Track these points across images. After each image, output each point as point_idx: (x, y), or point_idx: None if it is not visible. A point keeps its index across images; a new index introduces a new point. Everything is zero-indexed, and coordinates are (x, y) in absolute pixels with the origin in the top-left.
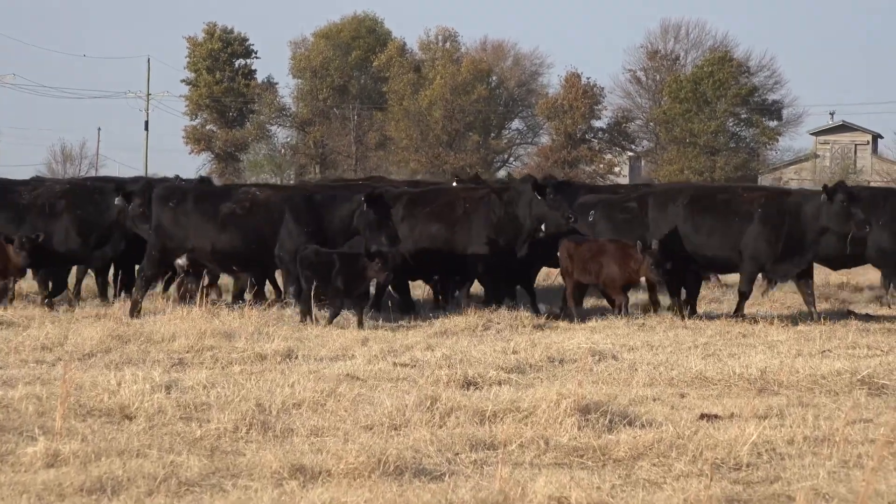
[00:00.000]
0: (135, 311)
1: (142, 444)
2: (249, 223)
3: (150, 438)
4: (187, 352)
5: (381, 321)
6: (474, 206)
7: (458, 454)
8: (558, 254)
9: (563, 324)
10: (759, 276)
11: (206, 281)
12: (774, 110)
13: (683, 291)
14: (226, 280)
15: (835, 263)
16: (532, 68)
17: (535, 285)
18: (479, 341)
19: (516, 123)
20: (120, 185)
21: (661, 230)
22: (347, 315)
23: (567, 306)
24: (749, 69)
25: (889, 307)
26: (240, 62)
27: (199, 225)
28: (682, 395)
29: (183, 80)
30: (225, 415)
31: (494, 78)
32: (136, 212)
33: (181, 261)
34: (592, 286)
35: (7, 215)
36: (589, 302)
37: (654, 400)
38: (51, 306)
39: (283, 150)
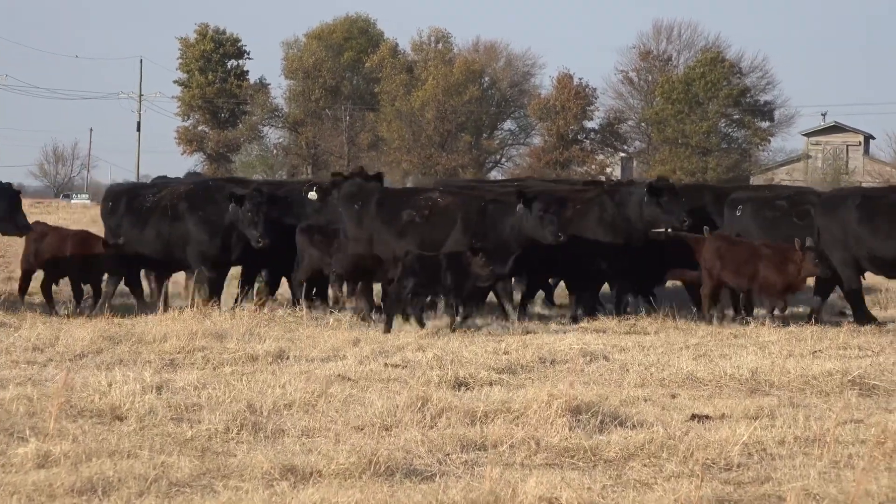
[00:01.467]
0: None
1: (132, 445)
2: (426, 229)
3: (140, 439)
4: (178, 352)
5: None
6: (586, 206)
7: (448, 455)
8: (703, 253)
9: (553, 325)
10: None
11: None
12: (766, 111)
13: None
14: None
15: None
16: (524, 69)
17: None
18: (470, 342)
19: (508, 124)
20: (231, 190)
21: (831, 231)
22: (339, 316)
23: (703, 309)
24: (741, 70)
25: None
26: (232, 63)
27: (381, 230)
28: (674, 396)
29: (175, 81)
30: (216, 415)
31: (487, 79)
32: (245, 216)
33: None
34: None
35: (131, 218)
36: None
37: (645, 400)
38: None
39: (275, 151)
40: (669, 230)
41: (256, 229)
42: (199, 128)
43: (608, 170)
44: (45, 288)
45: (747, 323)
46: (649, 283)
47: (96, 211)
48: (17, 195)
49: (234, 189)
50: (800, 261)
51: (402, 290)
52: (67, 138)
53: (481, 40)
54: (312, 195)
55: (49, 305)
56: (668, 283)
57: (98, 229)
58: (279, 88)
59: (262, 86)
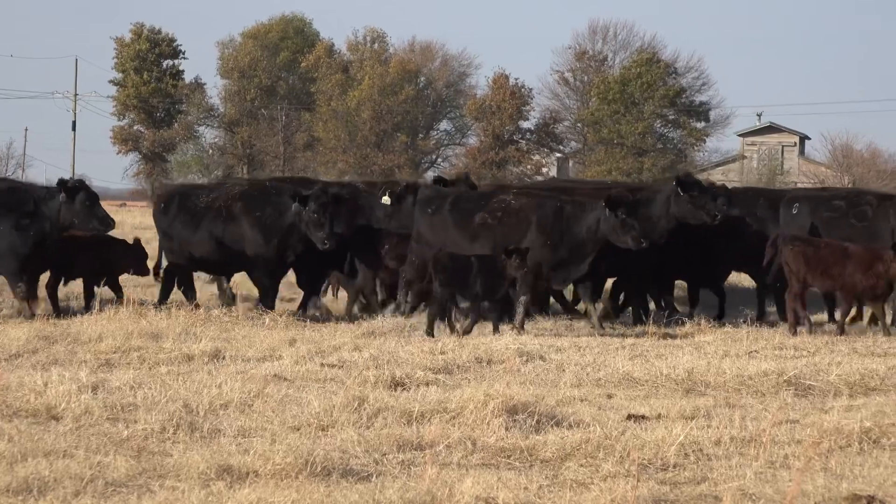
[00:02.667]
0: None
1: (68, 445)
2: (500, 232)
3: (76, 439)
4: (114, 352)
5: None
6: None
7: (385, 455)
8: (784, 255)
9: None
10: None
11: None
12: (702, 111)
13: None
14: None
15: None
16: (460, 69)
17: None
18: (406, 342)
19: (444, 124)
20: (296, 189)
21: None
22: (274, 315)
23: (798, 312)
24: (677, 70)
25: None
26: (167, 63)
27: (454, 232)
28: (610, 396)
29: (111, 81)
30: (152, 415)
31: (422, 79)
32: (310, 217)
33: None
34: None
35: (185, 218)
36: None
37: (582, 401)
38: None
39: (210, 151)
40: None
41: (323, 230)
42: (135, 127)
43: (544, 170)
44: (51, 289)
45: (683, 323)
46: (716, 282)
47: None
48: (93, 192)
49: (297, 189)
50: (890, 262)
51: (439, 292)
52: (2, 138)
53: (417, 40)
54: (385, 199)
55: (55, 307)
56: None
57: None
58: (215, 88)
59: (198, 85)
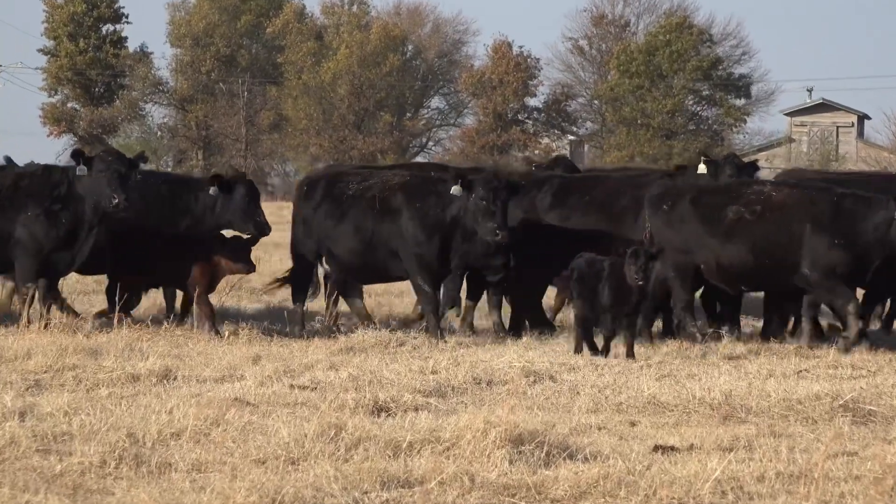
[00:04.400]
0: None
1: None
2: (760, 231)
3: (0, 475)
4: (45, 372)
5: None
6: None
7: (366, 493)
8: None
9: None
10: None
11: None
12: (742, 86)
13: None
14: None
15: None
16: (455, 36)
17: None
18: (391, 359)
19: (436, 101)
20: (459, 173)
21: None
22: (236, 329)
23: None
24: (712, 38)
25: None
26: (108, 28)
27: (701, 234)
28: (633, 424)
29: (40, 50)
30: (90, 447)
31: (410, 47)
32: (477, 205)
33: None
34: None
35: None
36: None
37: (600, 429)
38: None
39: (159, 133)
40: None
41: (493, 220)
42: (69, 104)
43: (555, 154)
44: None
45: (720, 337)
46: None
47: None
48: (255, 189)
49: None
50: None
51: (575, 300)
52: None
53: (403, 2)
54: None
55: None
56: None
57: None
58: (163, 59)
59: (144, 55)
